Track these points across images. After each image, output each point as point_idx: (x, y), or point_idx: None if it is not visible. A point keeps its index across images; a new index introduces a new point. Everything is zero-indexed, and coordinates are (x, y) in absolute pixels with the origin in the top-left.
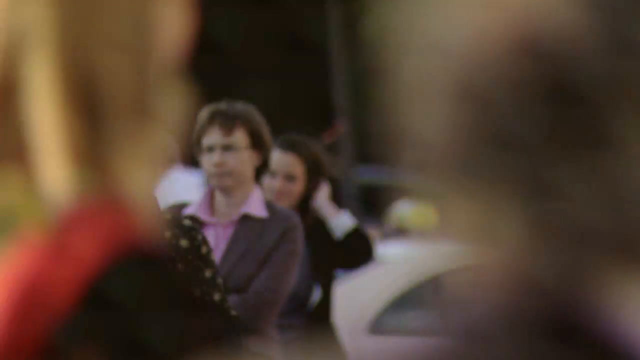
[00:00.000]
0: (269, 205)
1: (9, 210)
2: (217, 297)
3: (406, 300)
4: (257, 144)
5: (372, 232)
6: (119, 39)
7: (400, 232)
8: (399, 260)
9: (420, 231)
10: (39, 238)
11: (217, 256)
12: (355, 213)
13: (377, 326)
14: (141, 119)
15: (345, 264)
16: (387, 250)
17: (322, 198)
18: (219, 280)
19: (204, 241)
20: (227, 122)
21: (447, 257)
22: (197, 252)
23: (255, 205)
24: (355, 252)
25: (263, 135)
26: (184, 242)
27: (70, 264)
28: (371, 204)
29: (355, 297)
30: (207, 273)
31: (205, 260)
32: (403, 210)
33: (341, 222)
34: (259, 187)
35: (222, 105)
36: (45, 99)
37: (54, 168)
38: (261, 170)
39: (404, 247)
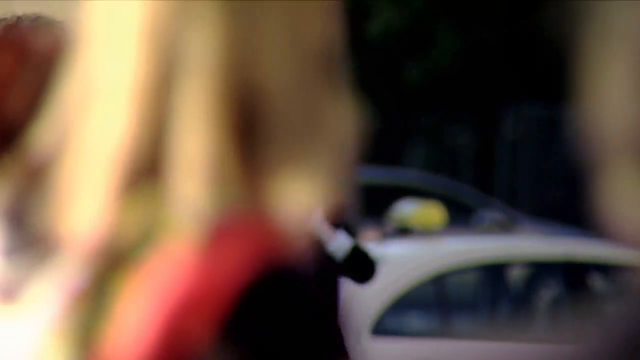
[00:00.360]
0: None
1: (156, 225)
2: None
3: (407, 301)
4: None
5: (372, 232)
6: (282, 55)
7: (402, 232)
8: (400, 260)
9: (424, 231)
10: (186, 252)
11: None
12: (355, 213)
13: (379, 327)
14: (309, 134)
15: (352, 281)
16: (388, 250)
17: (317, 221)
18: None
19: None
20: None
21: (450, 256)
22: None
23: None
24: (358, 270)
25: None
26: None
27: (217, 278)
28: (371, 204)
29: (356, 297)
30: None
31: None
32: (405, 210)
33: (339, 244)
34: None
35: None
36: (198, 119)
37: (203, 184)
38: None
39: (406, 246)
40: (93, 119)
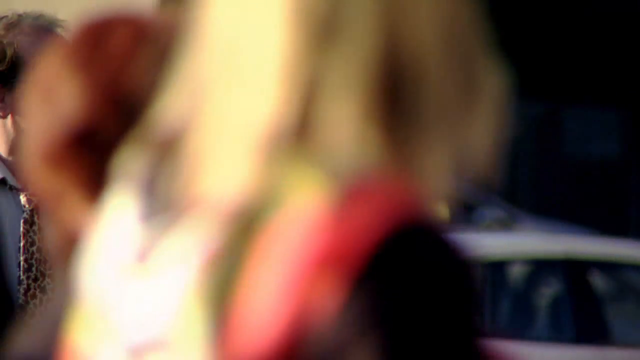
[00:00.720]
0: None
1: (291, 186)
2: None
3: None
4: None
5: None
6: (433, 21)
7: None
8: None
9: None
10: (319, 213)
11: None
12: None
13: None
14: (460, 102)
15: None
16: None
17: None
18: None
19: None
20: None
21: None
22: None
23: None
24: None
25: None
26: None
27: (349, 238)
28: None
29: None
30: None
31: None
32: None
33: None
34: None
35: None
36: (345, 85)
37: (343, 147)
38: None
39: None
40: (234, 86)
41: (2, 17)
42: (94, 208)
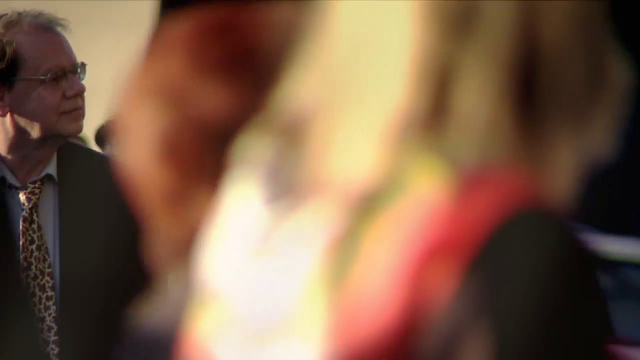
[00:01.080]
0: None
1: (412, 173)
2: None
3: None
4: None
5: None
6: (564, 17)
7: None
8: None
9: None
10: (438, 199)
11: None
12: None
13: None
14: (588, 96)
15: None
16: None
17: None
18: None
19: None
20: None
21: None
22: None
23: None
24: None
25: None
26: None
27: (466, 224)
28: None
29: None
30: None
31: None
32: None
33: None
34: None
35: None
36: (479, 78)
37: (470, 137)
38: None
39: None
40: (364, 74)
41: (2, 16)
42: (216, 199)
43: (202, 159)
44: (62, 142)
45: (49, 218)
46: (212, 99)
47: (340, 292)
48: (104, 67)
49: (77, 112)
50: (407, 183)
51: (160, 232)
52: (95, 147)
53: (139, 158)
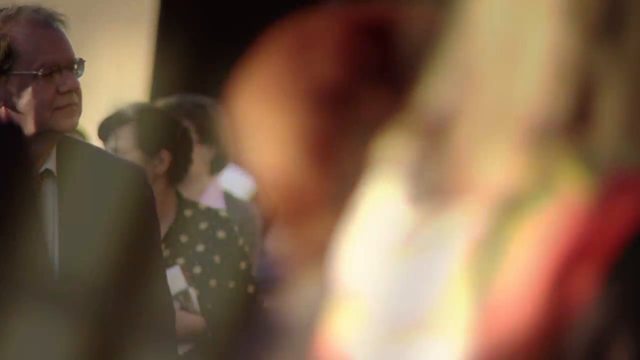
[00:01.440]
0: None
1: (556, 176)
2: (250, 289)
3: None
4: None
5: None
6: None
7: None
8: None
9: None
10: (581, 203)
11: None
12: None
13: None
14: None
15: None
16: None
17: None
18: (252, 273)
19: (240, 233)
20: None
21: None
22: (235, 244)
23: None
24: None
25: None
26: (221, 234)
27: (609, 227)
28: None
29: None
30: (242, 265)
31: (241, 252)
32: None
33: None
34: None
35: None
36: (622, 83)
37: (614, 140)
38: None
39: None
40: (507, 76)
41: (1, 10)
42: (356, 199)
43: (348, 159)
44: (57, 137)
45: (48, 213)
46: (374, 101)
47: (484, 292)
48: (104, 63)
49: (71, 108)
50: (551, 187)
51: (300, 232)
52: (96, 142)
53: (279, 158)
